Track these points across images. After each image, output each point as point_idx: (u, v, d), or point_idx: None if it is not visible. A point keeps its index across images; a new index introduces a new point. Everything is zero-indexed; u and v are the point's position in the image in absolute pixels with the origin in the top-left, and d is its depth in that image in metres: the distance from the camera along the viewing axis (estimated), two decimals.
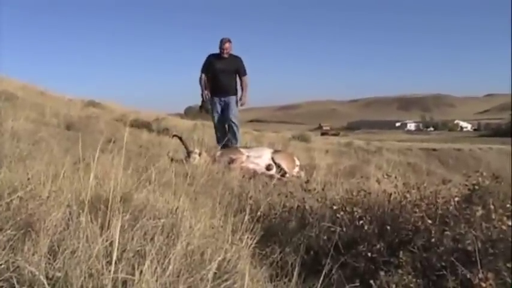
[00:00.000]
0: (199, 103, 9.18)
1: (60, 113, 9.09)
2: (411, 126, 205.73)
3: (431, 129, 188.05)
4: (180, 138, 6.81)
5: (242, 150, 6.82)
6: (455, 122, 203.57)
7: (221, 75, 8.76)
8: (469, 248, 2.57)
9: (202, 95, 8.87)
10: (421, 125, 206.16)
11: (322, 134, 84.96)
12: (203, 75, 8.86)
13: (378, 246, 2.85)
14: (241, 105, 8.84)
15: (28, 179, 3.01)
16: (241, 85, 8.94)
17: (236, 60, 8.91)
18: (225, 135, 8.56)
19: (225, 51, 8.66)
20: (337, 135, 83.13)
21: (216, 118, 8.92)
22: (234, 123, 8.69)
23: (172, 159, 5.85)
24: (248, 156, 6.61)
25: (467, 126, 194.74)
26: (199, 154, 6.29)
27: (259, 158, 6.66)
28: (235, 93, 8.93)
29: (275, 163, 6.64)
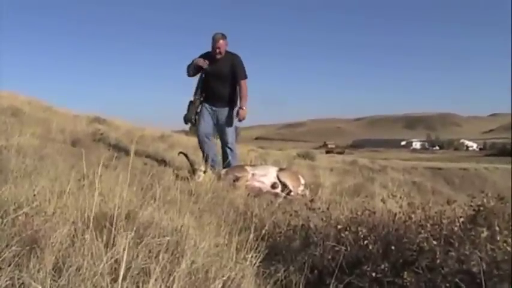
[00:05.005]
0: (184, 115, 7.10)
1: (66, 129, 9.10)
2: (416, 145, 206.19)
3: (437, 148, 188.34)
4: (186, 156, 6.80)
5: (247, 168, 6.79)
6: (461, 141, 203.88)
7: (212, 80, 7.04)
8: (474, 269, 2.55)
9: (188, 69, 7.05)
10: (426, 143, 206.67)
11: (327, 152, 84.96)
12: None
13: (383, 266, 2.84)
14: (239, 119, 6.97)
15: (34, 195, 3.03)
16: (239, 92, 7.05)
17: (232, 60, 7.03)
18: (213, 150, 7.26)
19: (217, 51, 6.88)
20: (342, 153, 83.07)
21: (201, 127, 7.14)
22: (229, 148, 7.19)
23: (177, 177, 5.85)
24: (253, 174, 6.58)
25: (473, 145, 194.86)
26: (204, 172, 6.27)
27: (264, 176, 6.62)
28: (231, 105, 7.14)
29: (280, 181, 6.60)
